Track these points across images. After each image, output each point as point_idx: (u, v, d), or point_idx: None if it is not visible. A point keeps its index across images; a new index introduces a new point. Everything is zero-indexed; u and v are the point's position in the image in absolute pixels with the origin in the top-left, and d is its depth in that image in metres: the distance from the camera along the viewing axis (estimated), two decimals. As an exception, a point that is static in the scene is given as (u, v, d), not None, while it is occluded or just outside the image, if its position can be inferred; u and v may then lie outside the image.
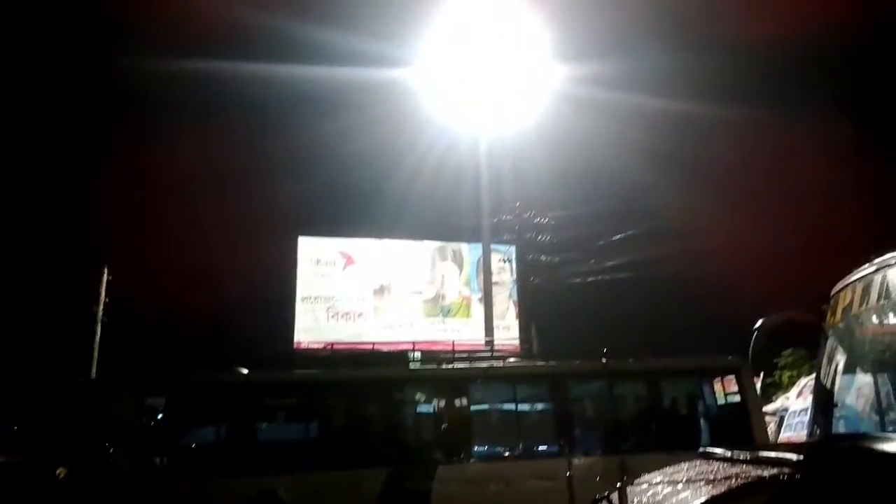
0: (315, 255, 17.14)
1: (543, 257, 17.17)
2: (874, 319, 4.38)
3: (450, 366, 9.62)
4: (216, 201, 16.75)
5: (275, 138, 17.02)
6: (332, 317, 16.83)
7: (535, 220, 16.80)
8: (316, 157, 16.86)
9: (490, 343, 12.63)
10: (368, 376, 9.08)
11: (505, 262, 17.66)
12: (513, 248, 17.42)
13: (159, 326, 17.69)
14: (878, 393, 4.41)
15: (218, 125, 16.43)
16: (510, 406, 9.13)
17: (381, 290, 17.16)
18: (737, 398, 9.02)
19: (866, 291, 4.41)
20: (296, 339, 16.31)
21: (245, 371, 8.93)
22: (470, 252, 17.57)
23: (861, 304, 4.48)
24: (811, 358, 11.34)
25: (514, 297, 17.68)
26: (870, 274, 4.37)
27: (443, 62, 14.94)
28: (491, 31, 14.87)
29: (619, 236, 16.33)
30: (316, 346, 15.39)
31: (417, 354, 11.18)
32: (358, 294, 16.99)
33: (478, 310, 16.74)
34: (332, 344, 12.47)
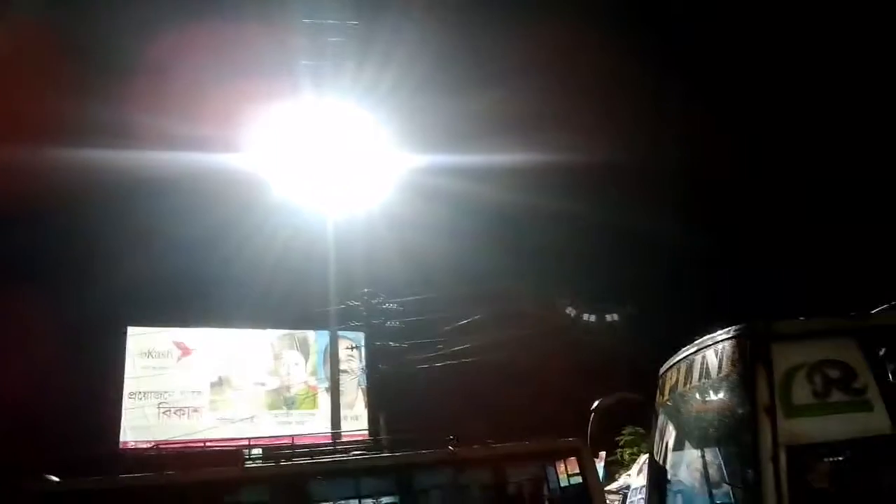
0: (146, 347, 15.94)
1: (392, 343, 16.99)
2: (698, 397, 4.58)
3: (289, 462, 9.05)
4: (32, 292, 15.25)
5: (105, 225, 15.87)
6: (164, 413, 15.57)
7: (384, 306, 16.68)
8: (152, 244, 15.88)
9: (336, 435, 12.12)
10: (195, 479, 8.28)
11: (353, 349, 17.24)
12: (361, 335, 17.13)
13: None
14: (705, 468, 4.55)
15: (41, 211, 15.11)
16: (354, 502, 8.68)
17: (219, 383, 16.17)
18: (579, 479, 9.15)
19: (689, 371, 4.62)
20: (122, 440, 14.95)
21: (55, 479, 7.92)
22: (317, 340, 17.08)
23: (685, 383, 4.68)
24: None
25: (363, 384, 17.28)
26: (692, 354, 4.59)
27: (289, 148, 14.93)
28: (339, 119, 15.15)
29: (464, 321, 16.57)
30: (144, 445, 14.14)
31: (257, 451, 10.47)
32: (193, 387, 15.90)
33: (325, 400, 16.16)
34: (160, 443, 11.44)
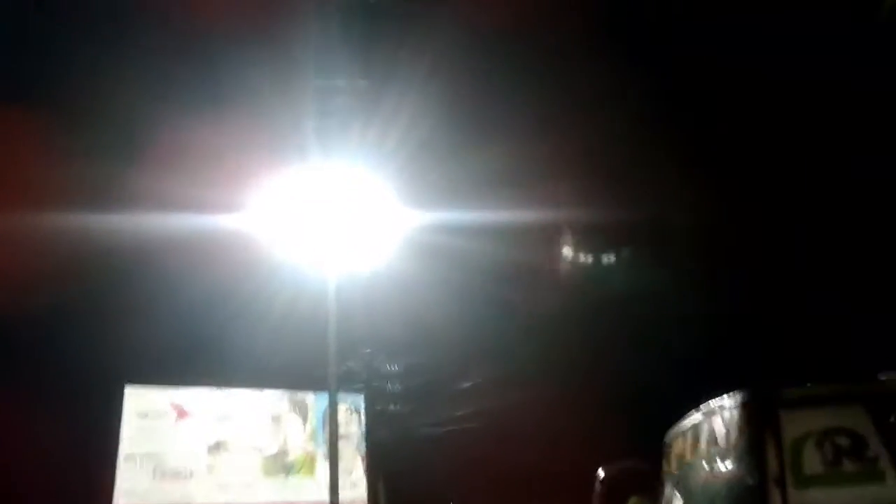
0: (143, 408, 15.53)
1: (392, 406, 16.73)
2: (704, 466, 4.47)
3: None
4: (30, 350, 15.14)
5: (105, 284, 15.85)
6: (160, 477, 15.19)
7: (385, 368, 16.49)
8: (152, 303, 15.83)
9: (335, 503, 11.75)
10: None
11: (353, 412, 16.85)
12: (361, 398, 16.83)
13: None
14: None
15: (40, 272, 15.15)
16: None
17: (216, 447, 15.79)
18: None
19: (696, 438, 4.52)
20: (115, 504, 14.53)
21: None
22: (316, 402, 16.59)
23: (692, 452, 4.57)
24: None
25: (363, 450, 16.80)
26: (697, 421, 4.49)
27: (292, 208, 14.89)
28: (342, 179, 15.16)
29: (467, 384, 16.33)
30: (137, 512, 13.78)
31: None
32: (190, 450, 15.54)
33: (323, 466, 15.74)
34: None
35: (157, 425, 15.44)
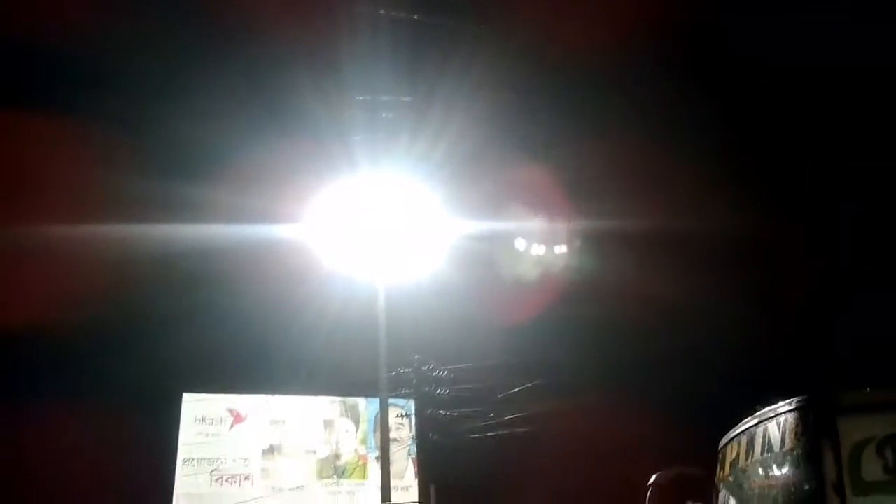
0: (200, 414, 16.13)
1: (442, 412, 16.78)
2: (760, 472, 4.43)
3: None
4: (90, 361, 15.66)
5: (163, 293, 16.33)
6: (216, 481, 15.62)
7: (434, 374, 16.56)
8: (208, 313, 16.22)
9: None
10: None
11: (403, 417, 17.11)
12: (412, 403, 16.99)
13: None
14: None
15: (96, 276, 15.66)
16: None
17: (270, 450, 16.17)
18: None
19: (751, 444, 4.48)
20: (175, 509, 15.01)
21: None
22: (367, 408, 16.99)
23: (747, 458, 4.54)
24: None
25: (413, 454, 17.05)
26: (752, 427, 4.46)
27: (341, 219, 15.09)
28: (390, 190, 15.32)
29: (516, 389, 16.27)
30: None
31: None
32: (245, 454, 15.93)
33: (374, 470, 15.94)
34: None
35: (214, 430, 15.96)
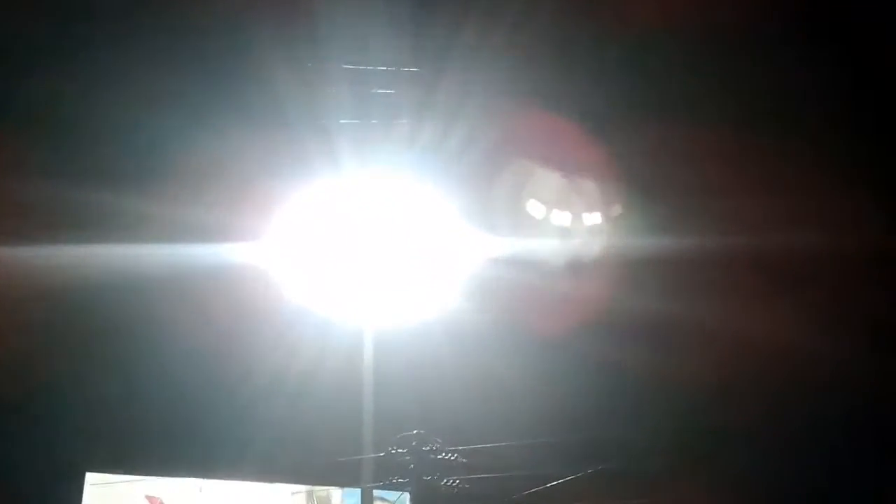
0: (109, 502, 12.68)
1: (450, 509, 13.29)
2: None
3: None
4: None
5: (61, 341, 12.84)
6: None
7: (440, 456, 13.17)
8: (122, 365, 13.05)
9: None
10: None
11: (394, 514, 13.69)
12: (406, 497, 13.41)
13: None
14: None
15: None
16: None
17: (204, 561, 12.56)
18: None
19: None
20: None
21: None
22: (343, 501, 13.71)
23: None
24: None
25: (407, 564, 13.60)
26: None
27: (315, 237, 12.23)
28: (384, 195, 12.16)
29: (559, 481, 12.65)
30: None
31: None
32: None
33: (353, 589, 12.58)
34: None
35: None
